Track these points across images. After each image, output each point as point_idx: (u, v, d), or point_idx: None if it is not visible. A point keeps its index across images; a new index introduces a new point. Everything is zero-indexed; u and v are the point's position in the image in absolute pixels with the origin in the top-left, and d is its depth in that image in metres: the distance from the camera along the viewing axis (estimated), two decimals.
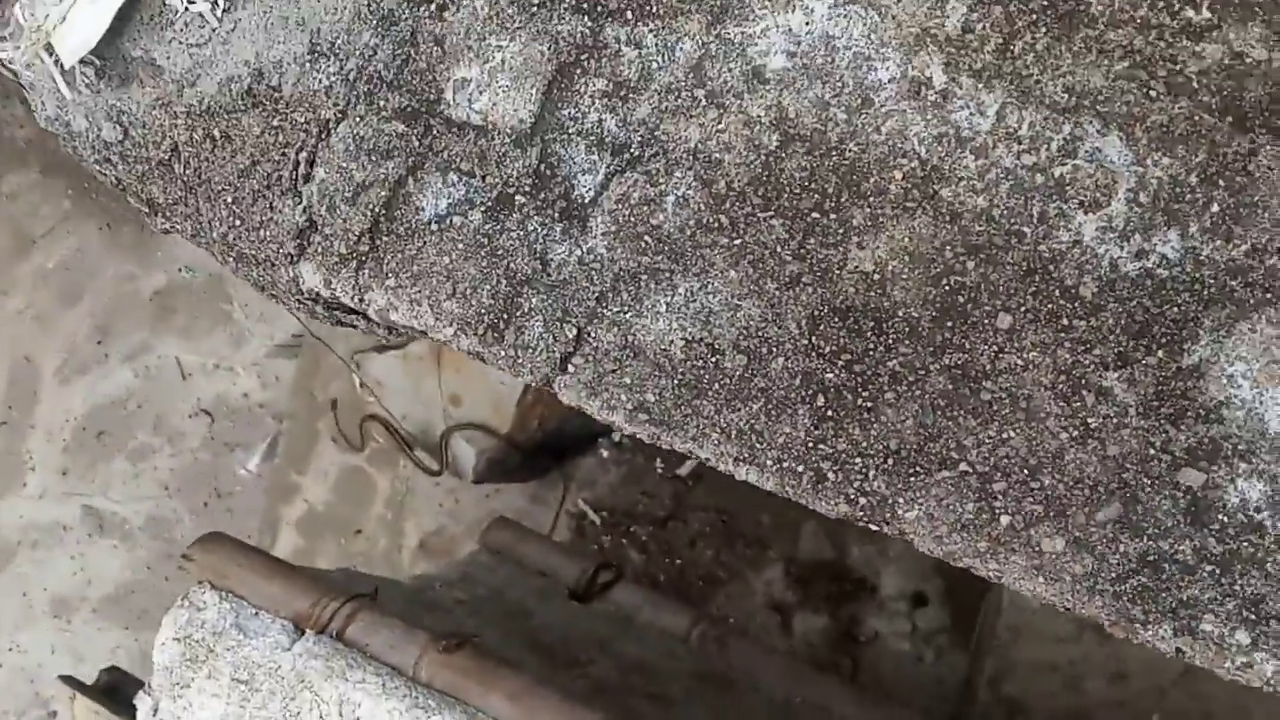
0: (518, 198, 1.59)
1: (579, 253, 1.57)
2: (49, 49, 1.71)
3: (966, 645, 3.04)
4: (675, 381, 1.51)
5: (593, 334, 1.56)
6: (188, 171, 1.71)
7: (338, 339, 3.73)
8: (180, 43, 1.72)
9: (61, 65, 1.71)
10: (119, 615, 4.42)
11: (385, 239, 1.65)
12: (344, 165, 1.67)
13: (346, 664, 1.90)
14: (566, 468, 3.52)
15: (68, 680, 2.07)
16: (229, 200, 1.72)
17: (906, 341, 1.39)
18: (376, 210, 1.65)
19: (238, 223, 1.73)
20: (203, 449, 4.34)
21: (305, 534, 3.75)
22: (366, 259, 1.65)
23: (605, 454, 3.50)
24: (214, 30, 1.69)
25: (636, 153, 1.54)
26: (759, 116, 1.49)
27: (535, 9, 1.59)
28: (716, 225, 1.49)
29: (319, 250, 1.67)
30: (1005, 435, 1.34)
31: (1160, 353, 1.29)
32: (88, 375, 4.47)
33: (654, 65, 1.54)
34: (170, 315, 4.36)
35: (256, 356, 4.21)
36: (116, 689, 2.19)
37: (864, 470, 1.40)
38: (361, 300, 1.68)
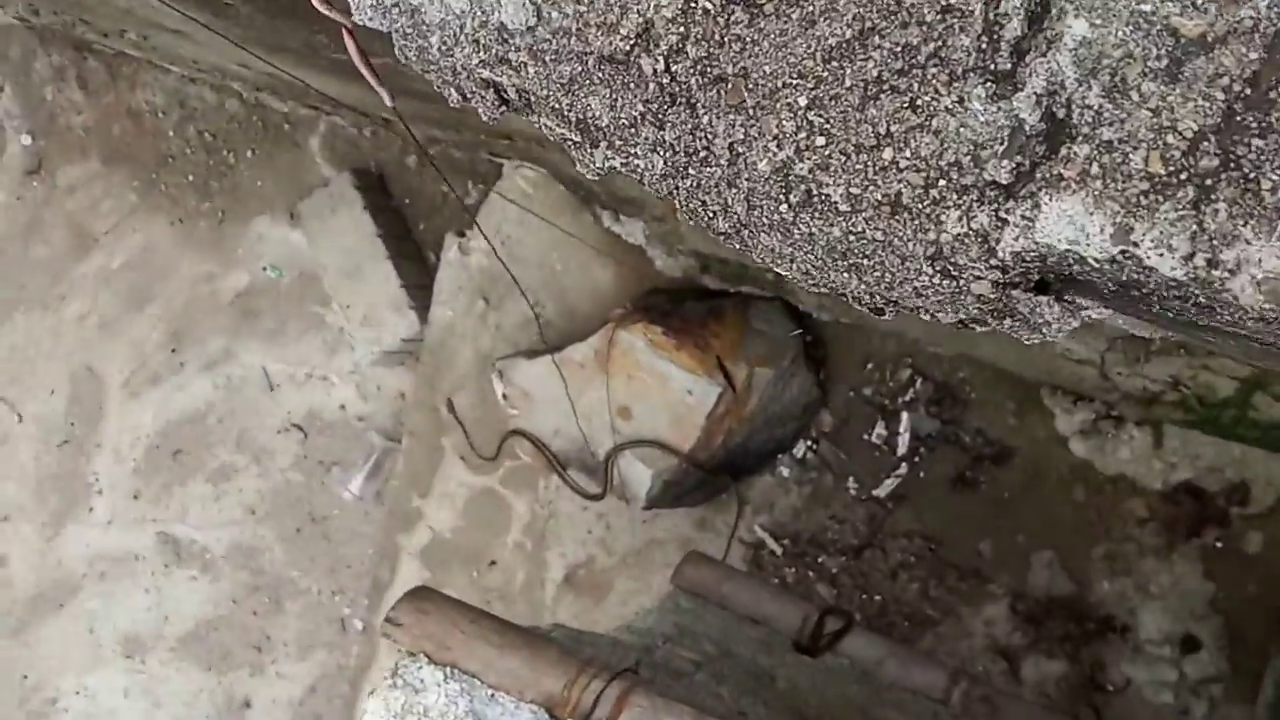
0: None
1: None
2: None
3: (1248, 697, 2.57)
4: None
5: None
6: (684, 69, 0.91)
7: (466, 343, 3.25)
8: None
9: None
10: (200, 655, 3.94)
11: None
12: None
13: None
14: (740, 490, 3.04)
15: None
16: (803, 104, 1.02)
17: None
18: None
19: (831, 143, 0.87)
20: (294, 468, 3.86)
21: (430, 565, 3.27)
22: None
23: (785, 472, 3.03)
24: None
25: None
26: None
27: None
28: None
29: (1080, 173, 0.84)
30: None
31: None
32: (160, 387, 4.00)
33: None
34: (254, 319, 3.89)
35: (355, 365, 3.74)
36: None
37: None
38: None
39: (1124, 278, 0.78)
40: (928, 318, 0.86)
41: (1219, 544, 2.62)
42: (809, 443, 3.00)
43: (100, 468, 4.07)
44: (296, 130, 3.80)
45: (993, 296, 0.78)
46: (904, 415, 2.92)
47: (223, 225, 3.95)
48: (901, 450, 2.93)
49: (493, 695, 1.56)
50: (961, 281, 0.79)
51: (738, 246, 0.88)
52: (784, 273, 0.85)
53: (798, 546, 2.99)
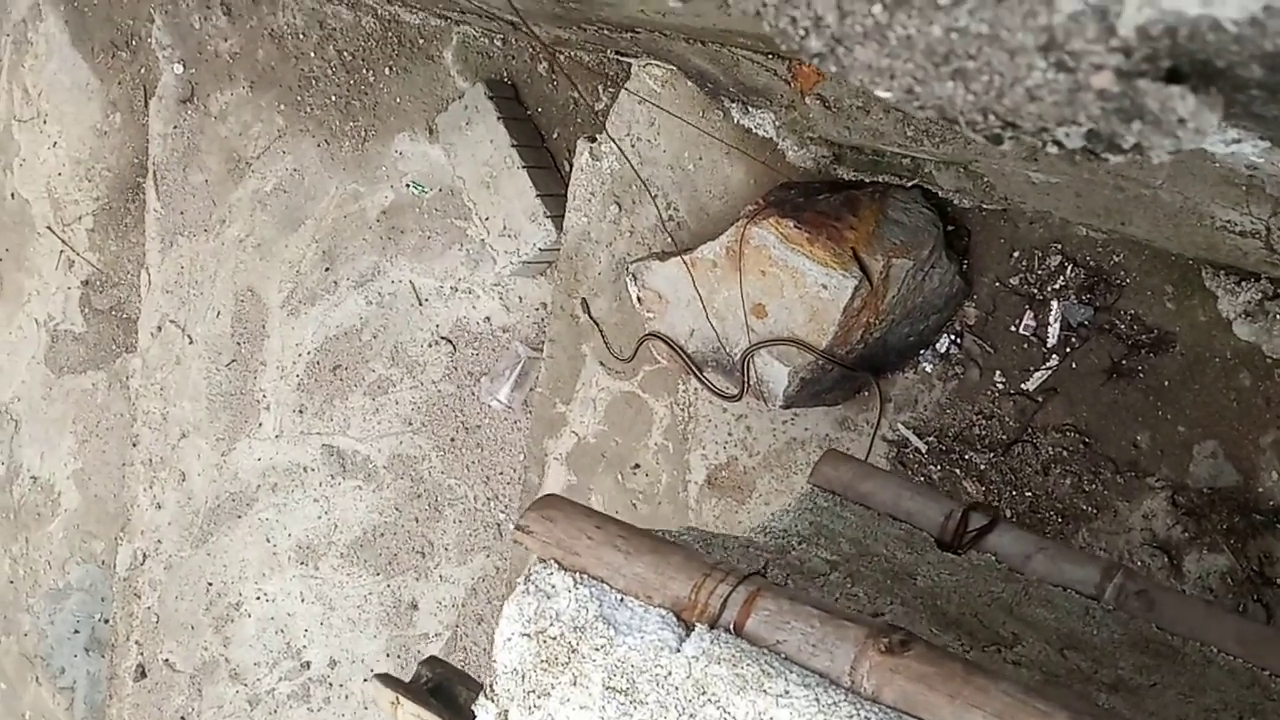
0: None
1: None
2: None
3: None
4: None
5: None
6: None
7: (601, 248, 3.24)
8: None
9: None
10: (368, 560, 4.11)
11: None
12: None
13: (761, 671, 1.42)
14: (881, 386, 2.97)
15: (387, 681, 1.66)
16: None
17: None
18: None
19: None
20: (445, 380, 3.96)
21: (576, 470, 3.32)
22: None
23: (929, 368, 2.94)
24: None
25: None
26: None
27: None
28: None
29: None
30: None
31: None
32: (317, 305, 4.13)
33: None
34: (400, 236, 3.97)
35: (497, 276, 3.78)
36: (441, 687, 1.77)
37: None
38: None
39: (1271, 48, 0.67)
40: (1048, 143, 0.78)
41: None
42: (953, 337, 2.90)
43: (266, 385, 4.25)
44: (430, 44, 3.82)
45: (1116, 91, 0.69)
46: (1054, 304, 2.79)
47: (366, 144, 4.01)
48: (1051, 341, 2.81)
49: (621, 599, 1.57)
50: (1079, 74, 0.70)
51: (835, 70, 0.81)
52: (886, 94, 0.78)
53: (943, 444, 2.92)
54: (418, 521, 4.04)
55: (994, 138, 0.80)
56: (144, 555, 4.52)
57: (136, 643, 4.54)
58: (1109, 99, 0.70)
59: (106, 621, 4.83)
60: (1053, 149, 0.81)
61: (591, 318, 3.24)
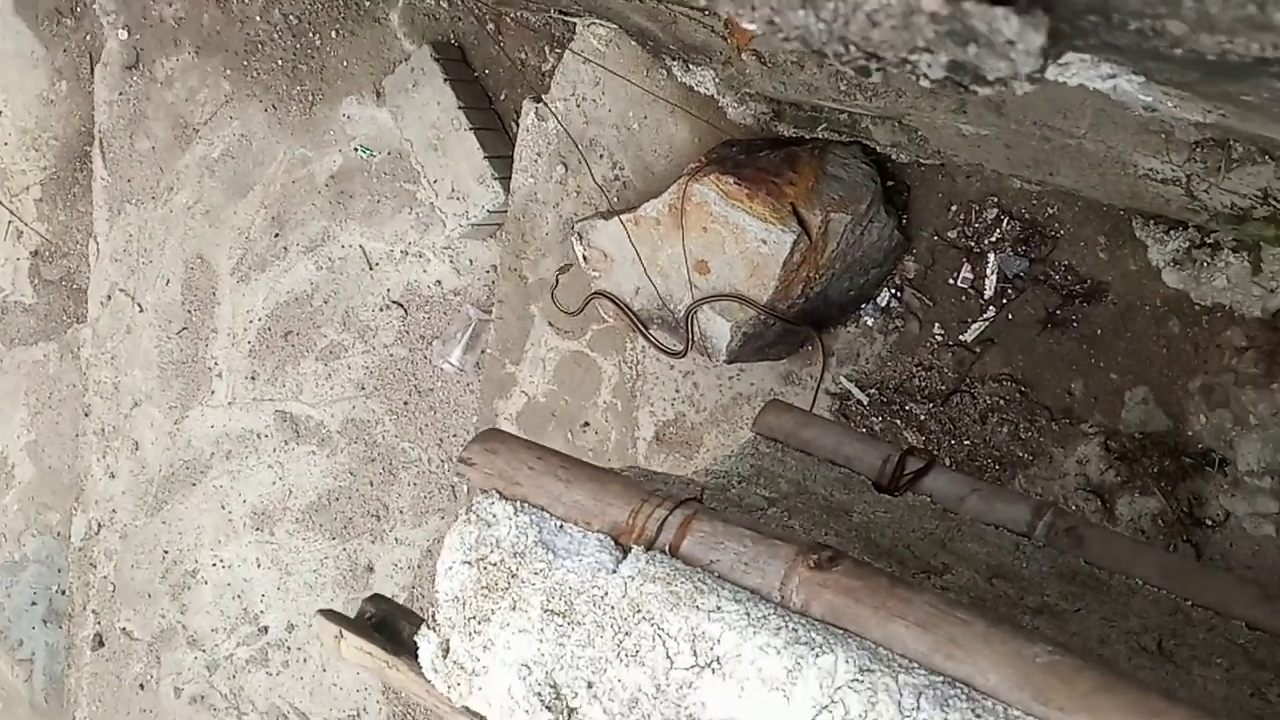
0: None
1: None
2: None
3: None
4: None
5: None
6: None
7: (548, 209, 3.28)
8: None
9: None
10: (324, 525, 4.14)
11: None
12: None
13: (695, 588, 1.47)
14: (824, 340, 3.03)
15: (331, 615, 1.69)
16: None
17: None
18: None
19: None
20: (397, 344, 3.98)
21: (527, 428, 3.36)
22: None
23: (870, 321, 3.00)
24: None
25: None
26: None
27: None
28: None
29: None
30: None
31: None
32: (267, 272, 4.14)
33: None
34: (349, 200, 3.98)
35: (447, 239, 3.80)
36: (385, 622, 1.81)
37: None
38: None
39: None
40: (902, 69, 0.82)
41: None
42: (893, 290, 2.96)
43: (218, 352, 4.26)
44: (376, 6, 3.83)
45: (945, 13, 0.73)
46: (990, 257, 2.86)
47: (313, 108, 4.02)
48: (989, 293, 2.88)
49: (561, 526, 1.61)
50: None
51: (704, 2, 0.85)
52: (752, 26, 0.82)
53: (884, 395, 2.98)
54: (372, 485, 4.06)
55: (862, 69, 0.84)
56: (99, 525, 4.51)
57: (93, 612, 4.54)
58: (940, 21, 0.74)
59: (63, 592, 4.82)
60: (924, 82, 0.85)
61: (550, 282, 3.27)
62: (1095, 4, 0.72)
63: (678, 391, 3.20)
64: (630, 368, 3.24)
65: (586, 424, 3.30)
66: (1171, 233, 2.61)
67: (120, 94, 4.26)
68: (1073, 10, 0.74)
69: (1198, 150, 1.97)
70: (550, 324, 3.29)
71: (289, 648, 4.25)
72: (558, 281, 3.22)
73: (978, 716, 1.31)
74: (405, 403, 3.98)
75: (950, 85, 0.86)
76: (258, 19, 4.00)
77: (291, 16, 3.94)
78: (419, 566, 4.04)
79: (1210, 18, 0.68)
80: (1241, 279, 2.56)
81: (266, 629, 4.27)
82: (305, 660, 4.23)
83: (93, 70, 4.39)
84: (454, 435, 3.93)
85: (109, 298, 4.39)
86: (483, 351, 3.69)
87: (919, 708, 1.32)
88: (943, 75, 0.84)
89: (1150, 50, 0.77)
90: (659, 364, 3.19)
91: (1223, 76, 0.81)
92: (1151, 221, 2.64)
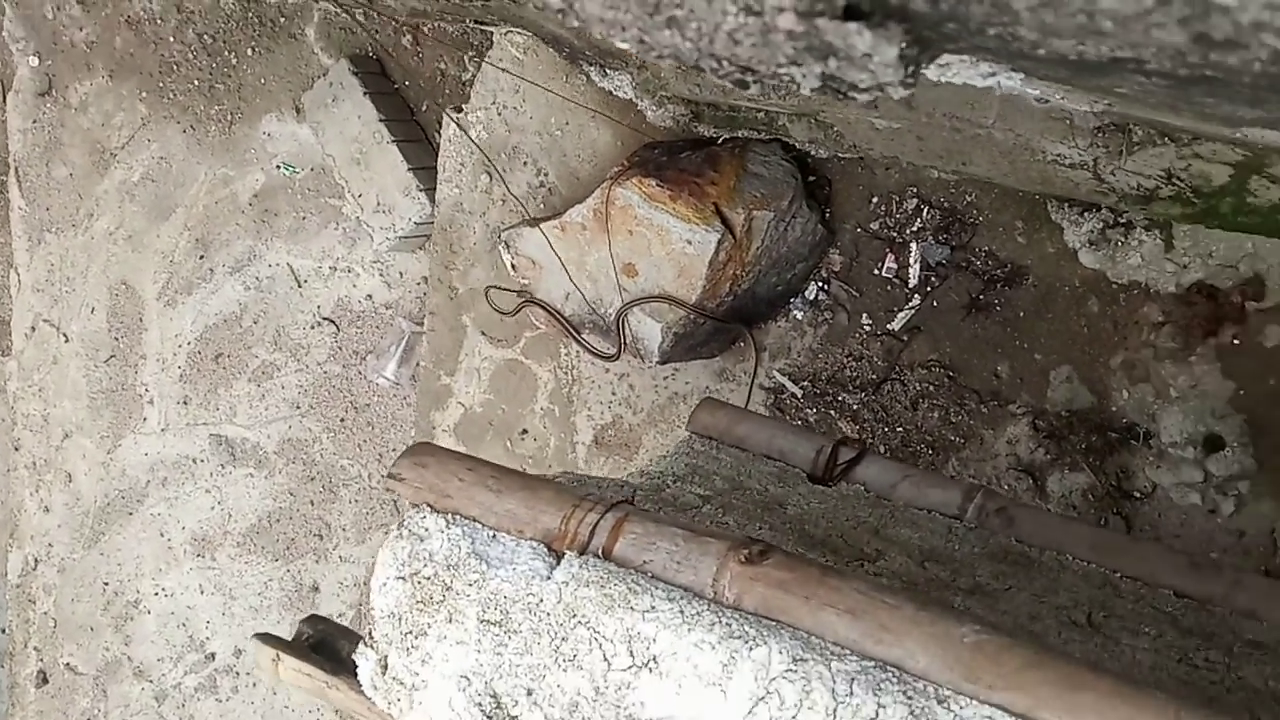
0: None
1: None
2: None
3: (1275, 491, 2.57)
4: None
5: None
6: None
7: (475, 218, 3.27)
8: None
9: None
10: (266, 547, 4.10)
11: None
12: None
13: (628, 589, 1.48)
14: (755, 336, 3.05)
15: (267, 639, 1.68)
16: None
17: None
18: None
19: None
20: (331, 361, 3.96)
21: (465, 439, 3.36)
22: None
23: (799, 315, 3.03)
24: None
25: None
26: None
27: None
28: None
29: None
30: None
31: None
32: (194, 294, 4.09)
33: None
34: (274, 218, 3.94)
35: (376, 253, 3.79)
36: (324, 643, 1.80)
37: None
38: None
39: None
40: (772, 85, 0.85)
41: (1236, 341, 2.60)
42: (820, 284, 3.00)
43: (148, 378, 4.20)
44: (292, 22, 3.80)
45: (801, 30, 0.75)
46: (913, 246, 2.90)
47: (233, 127, 3.98)
48: (913, 282, 2.92)
49: (493, 536, 1.62)
50: (766, 16, 0.76)
51: (577, 25, 0.87)
52: (625, 46, 0.84)
53: (817, 387, 3.02)
54: (313, 504, 4.03)
55: (740, 83, 0.86)
56: (35, 560, 4.43)
57: (35, 649, 4.46)
58: (797, 38, 0.75)
59: (3, 631, 4.72)
60: (804, 91, 0.86)
61: (484, 291, 3.26)
62: (948, 14, 0.74)
63: (614, 394, 3.21)
64: (566, 373, 3.24)
65: (525, 431, 3.30)
66: (1086, 215, 2.67)
67: (34, 121, 4.19)
68: (930, 20, 0.76)
69: (1100, 135, 2.02)
70: (483, 333, 3.29)
71: (238, 673, 4.21)
72: (488, 293, 3.22)
73: (910, 699, 1.33)
74: (342, 420, 3.95)
75: (830, 93, 0.88)
76: (171, 40, 3.96)
77: (206, 36, 3.90)
78: (365, 584, 4.00)
79: (1051, 26, 0.70)
80: (1155, 256, 2.63)
81: (214, 655, 4.22)
82: (255, 685, 4.19)
83: (4, 99, 4.32)
84: (393, 450, 3.91)
85: (33, 329, 4.31)
86: (417, 364, 3.68)
87: (852, 693, 1.34)
88: (819, 85, 0.86)
89: (1017, 51, 0.79)
90: (594, 368, 3.21)
91: (1088, 73, 0.84)
92: (1066, 205, 2.69)
